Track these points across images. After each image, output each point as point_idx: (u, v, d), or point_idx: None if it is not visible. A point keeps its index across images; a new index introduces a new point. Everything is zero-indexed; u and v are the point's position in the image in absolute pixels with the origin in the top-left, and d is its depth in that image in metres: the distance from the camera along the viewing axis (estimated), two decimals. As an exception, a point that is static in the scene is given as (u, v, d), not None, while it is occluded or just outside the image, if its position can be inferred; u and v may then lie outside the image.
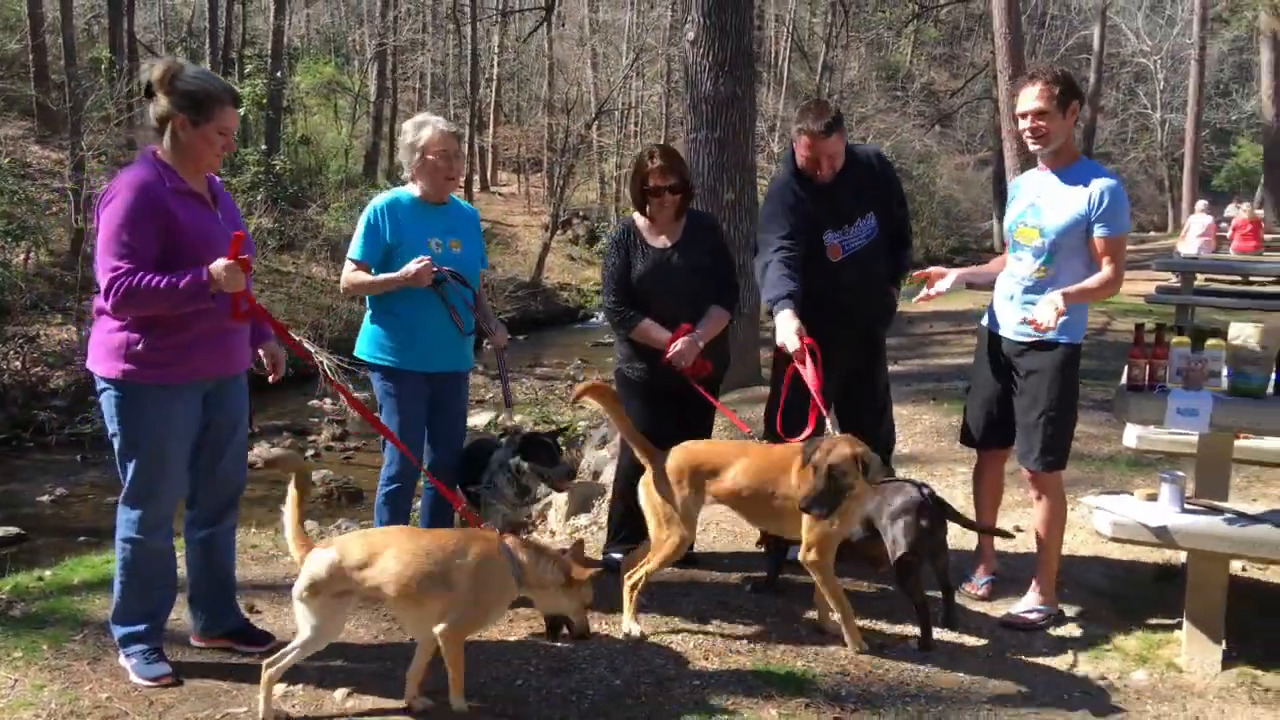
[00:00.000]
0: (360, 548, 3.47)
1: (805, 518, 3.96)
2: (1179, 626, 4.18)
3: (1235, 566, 4.39)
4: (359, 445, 12.81)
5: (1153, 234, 37.94)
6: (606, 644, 4.16)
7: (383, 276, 4.43)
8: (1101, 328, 11.94)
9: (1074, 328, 4.25)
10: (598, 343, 20.50)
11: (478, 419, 12.43)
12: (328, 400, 14.48)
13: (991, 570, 4.75)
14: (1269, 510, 4.28)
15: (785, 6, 37.78)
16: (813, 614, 4.41)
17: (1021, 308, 4.30)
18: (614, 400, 4.52)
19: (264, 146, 23.39)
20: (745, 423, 5.11)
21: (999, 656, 4.14)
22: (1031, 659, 4.12)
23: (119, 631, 3.83)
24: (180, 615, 4.10)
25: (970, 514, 4.76)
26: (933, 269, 4.59)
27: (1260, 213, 22.58)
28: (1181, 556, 4.63)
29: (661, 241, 4.79)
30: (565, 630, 3.73)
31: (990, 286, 4.60)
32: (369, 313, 4.60)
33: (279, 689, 3.66)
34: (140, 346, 3.57)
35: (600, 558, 5.07)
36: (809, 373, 4.24)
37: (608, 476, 6.96)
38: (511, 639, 4.21)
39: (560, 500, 6.49)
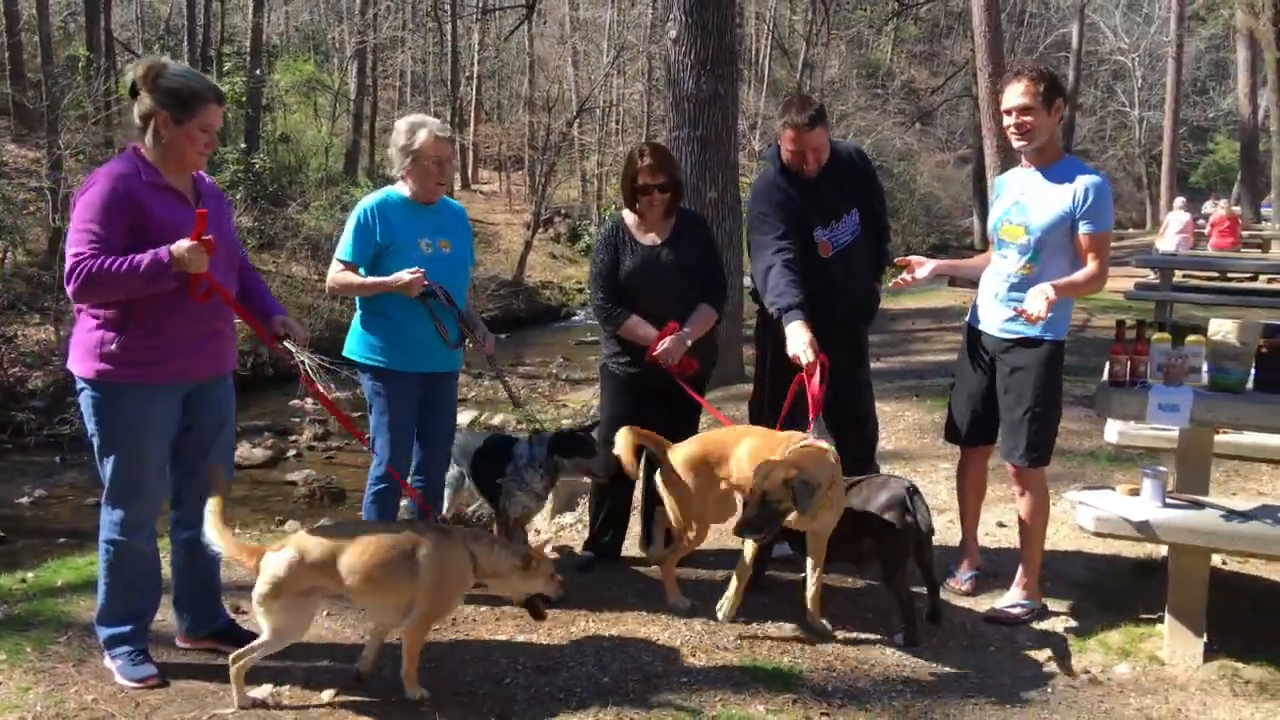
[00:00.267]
0: (318, 545, 3.51)
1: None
2: (1161, 620, 4.22)
3: (1215, 560, 4.43)
4: (341, 445, 12.75)
5: (1131, 231, 38.23)
6: (594, 642, 4.17)
7: (372, 280, 4.39)
8: (1081, 324, 12.02)
9: (1058, 324, 4.28)
10: (580, 341, 20.47)
11: (460, 418, 12.40)
12: (309, 400, 14.41)
13: (975, 565, 4.79)
14: (1249, 505, 4.33)
15: (765, 4, 37.83)
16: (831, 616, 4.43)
17: (1006, 305, 4.32)
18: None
19: (243, 145, 23.28)
20: (730, 421, 5.11)
21: (983, 651, 4.17)
22: (1015, 653, 4.15)
23: (104, 633, 3.81)
24: (166, 616, 4.08)
25: (954, 509, 4.79)
26: (913, 257, 4.62)
27: (1237, 209, 22.82)
28: (1163, 550, 4.68)
29: (650, 239, 4.79)
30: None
31: (969, 282, 4.63)
32: (359, 313, 4.56)
33: (266, 688, 3.66)
34: (115, 346, 3.55)
35: (580, 555, 5.09)
36: (815, 387, 4.25)
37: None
38: (500, 638, 4.21)
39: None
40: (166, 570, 4.03)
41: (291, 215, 22.71)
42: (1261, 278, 15.09)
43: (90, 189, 3.50)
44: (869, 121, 35.87)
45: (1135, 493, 4.30)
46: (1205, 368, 4.20)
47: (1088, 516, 4.21)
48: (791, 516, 4.01)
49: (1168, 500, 4.23)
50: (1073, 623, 4.40)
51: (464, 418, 12.57)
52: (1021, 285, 4.26)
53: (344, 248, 4.44)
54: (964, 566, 4.78)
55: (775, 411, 4.55)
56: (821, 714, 3.64)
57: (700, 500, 4.37)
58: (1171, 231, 18.27)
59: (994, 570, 4.84)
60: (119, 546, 3.72)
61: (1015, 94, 4.23)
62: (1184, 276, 13.58)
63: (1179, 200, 20.20)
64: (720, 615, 4.20)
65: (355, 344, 4.56)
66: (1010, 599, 4.47)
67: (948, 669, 4.00)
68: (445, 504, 5.02)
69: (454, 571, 3.63)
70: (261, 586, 3.45)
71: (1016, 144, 4.33)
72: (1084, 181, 4.16)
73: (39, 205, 17.50)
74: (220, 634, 4.01)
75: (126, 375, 3.57)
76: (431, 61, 37.70)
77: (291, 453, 12.42)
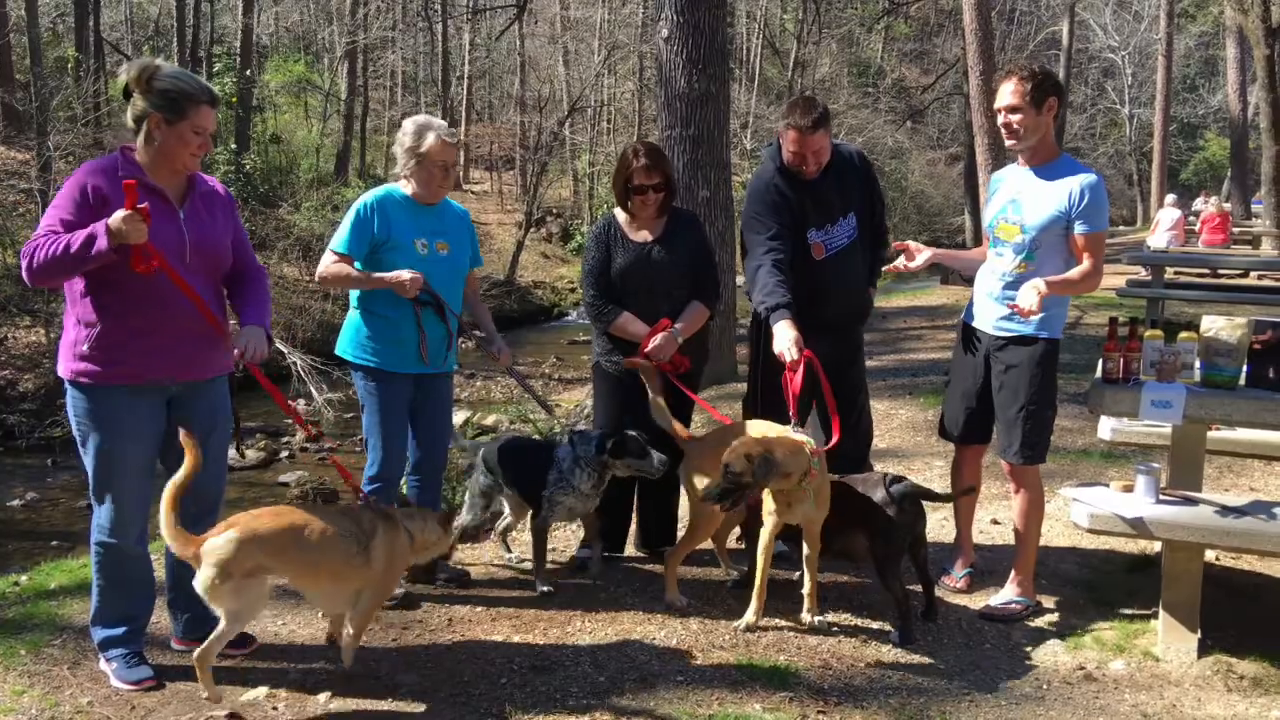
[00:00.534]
0: (264, 526, 3.50)
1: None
2: (1155, 616, 4.23)
3: (1208, 556, 4.44)
4: (334, 446, 12.75)
5: (1122, 228, 38.35)
6: (590, 641, 4.17)
7: (367, 275, 4.35)
8: (1074, 322, 12.05)
9: (1053, 323, 4.30)
10: (573, 340, 20.48)
11: (454, 418, 12.39)
12: (301, 401, 14.39)
13: (970, 562, 4.79)
14: (1242, 500, 4.34)
15: (756, 3, 37.86)
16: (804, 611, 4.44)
17: (1001, 303, 4.33)
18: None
19: (234, 145, 23.24)
20: (729, 418, 5.12)
21: (979, 648, 4.18)
22: (1011, 650, 4.15)
23: (98, 635, 3.80)
24: (161, 618, 4.07)
25: (948, 507, 4.80)
26: (910, 243, 4.62)
27: (1228, 206, 22.88)
28: (1156, 546, 4.69)
29: (642, 236, 4.79)
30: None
31: (962, 279, 4.65)
32: (353, 312, 4.53)
33: (261, 690, 3.66)
34: (86, 346, 3.55)
35: (576, 555, 5.09)
36: (795, 383, 4.28)
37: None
38: (495, 638, 4.20)
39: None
40: (161, 572, 4.02)
41: (282, 216, 22.69)
42: (1252, 274, 15.15)
43: (64, 186, 3.53)
44: (860, 120, 35.89)
45: (1129, 489, 4.31)
46: (1198, 364, 4.21)
47: (1082, 513, 4.21)
48: (776, 514, 4.11)
49: (1161, 497, 4.24)
50: (1067, 619, 4.41)
51: (457, 418, 12.58)
52: (1016, 284, 4.26)
53: (340, 240, 4.40)
54: (959, 564, 4.79)
55: (768, 410, 4.55)
56: (818, 712, 3.64)
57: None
58: (1162, 228, 18.32)
59: (989, 567, 4.85)
60: (106, 548, 3.71)
61: (1005, 93, 4.24)
62: (1175, 273, 13.63)
63: (1170, 197, 20.26)
64: (743, 626, 4.24)
65: (347, 343, 4.53)
66: (1005, 596, 4.48)
67: (943, 666, 4.00)
68: (473, 514, 4.96)
69: (400, 554, 3.78)
70: (207, 571, 3.38)
71: (1008, 143, 4.35)
72: (1080, 181, 4.17)
73: (29, 207, 17.44)
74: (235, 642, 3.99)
75: (100, 376, 3.56)
76: (422, 61, 37.70)
77: (284, 454, 12.43)
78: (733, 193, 9.86)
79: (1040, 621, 4.40)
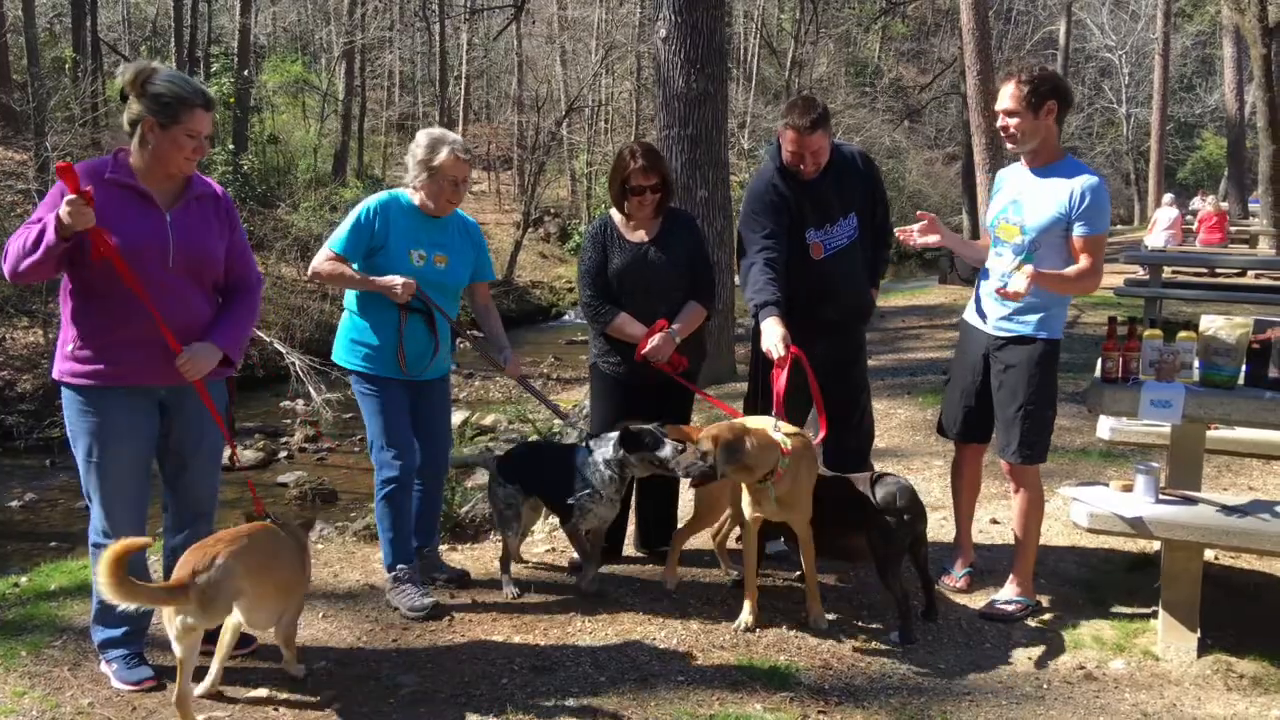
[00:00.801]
0: (245, 550, 3.42)
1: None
2: (1154, 615, 4.24)
3: (1208, 555, 4.45)
4: (332, 446, 12.75)
5: (1119, 227, 38.39)
6: (591, 642, 4.17)
7: (361, 276, 4.34)
8: (1072, 321, 12.07)
9: (1052, 323, 4.30)
10: (571, 340, 20.48)
11: (453, 418, 12.39)
12: (300, 401, 14.39)
13: (969, 562, 4.80)
14: (1241, 500, 4.35)
15: (754, 2, 37.86)
16: (804, 612, 4.44)
17: (1001, 303, 4.34)
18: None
19: (232, 146, 23.22)
20: (738, 411, 5.11)
21: (979, 647, 4.18)
22: (1011, 650, 4.16)
23: (99, 636, 3.80)
24: (161, 619, 4.06)
25: (948, 507, 4.81)
26: (930, 216, 4.60)
27: (1225, 205, 22.90)
28: (1155, 546, 4.70)
29: (639, 237, 4.78)
30: None
31: (962, 274, 4.65)
32: (347, 316, 4.53)
33: (262, 692, 3.66)
34: (72, 347, 3.57)
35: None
36: (781, 380, 4.29)
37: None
38: (496, 638, 4.21)
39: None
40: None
41: (280, 216, 22.68)
42: (1249, 273, 15.17)
43: (54, 187, 3.54)
44: (857, 119, 35.91)
45: (1128, 489, 4.32)
46: (1197, 364, 4.22)
47: (1081, 513, 4.22)
48: (764, 511, 4.16)
49: (1161, 496, 4.25)
50: (1067, 619, 4.41)
51: (456, 418, 12.57)
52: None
53: (337, 239, 4.38)
54: (959, 564, 4.79)
55: (768, 409, 4.55)
56: (819, 712, 3.64)
57: (719, 487, 4.47)
58: (1160, 227, 18.34)
59: (988, 567, 4.85)
60: (101, 550, 3.69)
61: (1003, 97, 4.25)
62: (1173, 272, 13.64)
63: (1167, 196, 20.27)
64: (741, 626, 4.26)
65: (343, 350, 4.52)
66: (1005, 595, 4.48)
67: (943, 666, 4.01)
68: (512, 530, 4.76)
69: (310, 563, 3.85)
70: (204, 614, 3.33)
71: (1007, 145, 4.36)
72: (1081, 183, 4.16)
73: (26, 208, 17.41)
74: (215, 637, 3.99)
75: (89, 377, 3.57)
76: (420, 61, 37.65)
77: (283, 454, 12.42)
78: (730, 192, 9.86)
79: (1040, 621, 4.40)
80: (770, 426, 4.16)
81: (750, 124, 31.81)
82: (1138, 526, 4.09)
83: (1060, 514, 5.37)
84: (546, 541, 5.54)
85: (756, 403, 4.81)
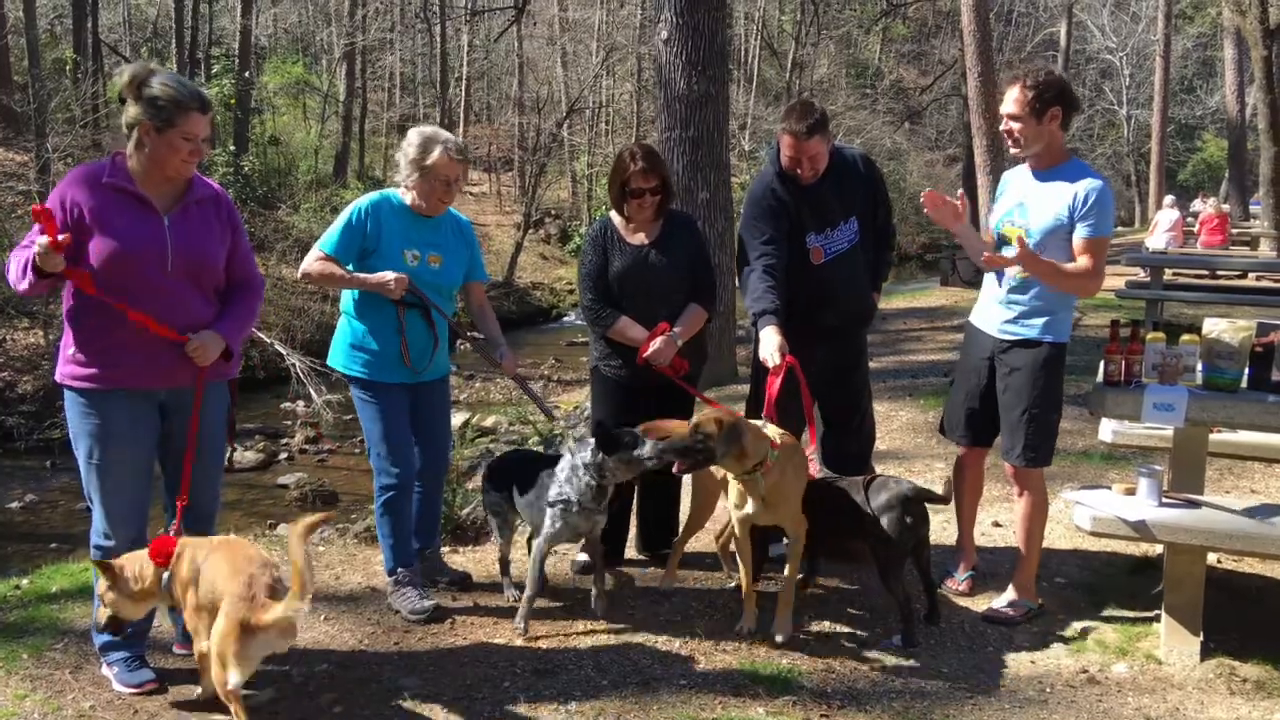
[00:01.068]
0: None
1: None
2: (1157, 619, 4.23)
3: (1210, 559, 4.44)
4: (333, 448, 12.74)
5: (1120, 229, 38.35)
6: (593, 645, 4.17)
7: (352, 275, 4.32)
8: (1073, 323, 12.06)
9: (1058, 326, 4.29)
10: (571, 342, 20.47)
11: (452, 420, 12.38)
12: (300, 403, 14.39)
13: (972, 565, 4.79)
14: (1244, 503, 4.34)
15: (755, 4, 37.88)
16: (806, 615, 4.43)
17: (1006, 306, 4.33)
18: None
19: (232, 147, 23.23)
20: (739, 413, 5.11)
21: (981, 651, 4.17)
22: (1013, 653, 4.15)
23: (100, 639, 3.79)
24: (162, 622, 4.07)
25: (949, 510, 4.80)
26: (959, 198, 4.50)
27: (1226, 208, 22.89)
28: (1158, 549, 4.69)
29: (639, 239, 4.77)
30: None
31: (963, 276, 4.63)
32: (342, 321, 4.51)
33: (268, 693, 3.66)
34: (72, 351, 3.58)
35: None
36: (774, 387, 4.30)
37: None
38: (498, 641, 4.20)
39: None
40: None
41: (281, 218, 22.71)
42: (1250, 275, 15.16)
43: (53, 192, 3.56)
44: (858, 121, 35.93)
45: (1131, 492, 4.31)
46: (1200, 367, 4.21)
47: (1084, 516, 4.21)
48: (751, 509, 4.12)
49: (1164, 499, 4.24)
50: (1070, 622, 4.40)
51: (456, 420, 12.57)
52: (1021, 287, 4.27)
53: (328, 240, 4.36)
54: (961, 567, 4.78)
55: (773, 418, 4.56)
56: (821, 715, 3.63)
57: (712, 481, 4.53)
58: (1161, 229, 18.34)
59: (991, 570, 4.85)
60: (103, 552, 3.69)
61: (1008, 100, 4.24)
62: (1174, 275, 13.63)
63: (1169, 198, 20.26)
64: (743, 630, 4.26)
65: (339, 355, 4.50)
66: (1007, 599, 4.47)
67: (946, 669, 4.00)
68: (504, 537, 4.71)
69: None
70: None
71: (1010, 149, 4.35)
72: (1084, 186, 4.15)
73: (26, 209, 17.42)
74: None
75: (89, 380, 3.57)
76: (421, 63, 37.67)
77: (283, 456, 12.41)
78: (731, 194, 9.86)
79: (1042, 624, 4.39)
80: (759, 426, 4.18)
81: (751, 126, 31.83)
82: (1141, 530, 4.08)
83: (1062, 517, 5.37)
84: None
85: (757, 407, 4.81)
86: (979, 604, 4.55)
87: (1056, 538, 5.26)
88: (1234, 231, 20.52)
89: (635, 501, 5.07)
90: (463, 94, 34.81)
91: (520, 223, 28.20)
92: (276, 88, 31.31)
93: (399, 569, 4.48)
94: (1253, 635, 4.23)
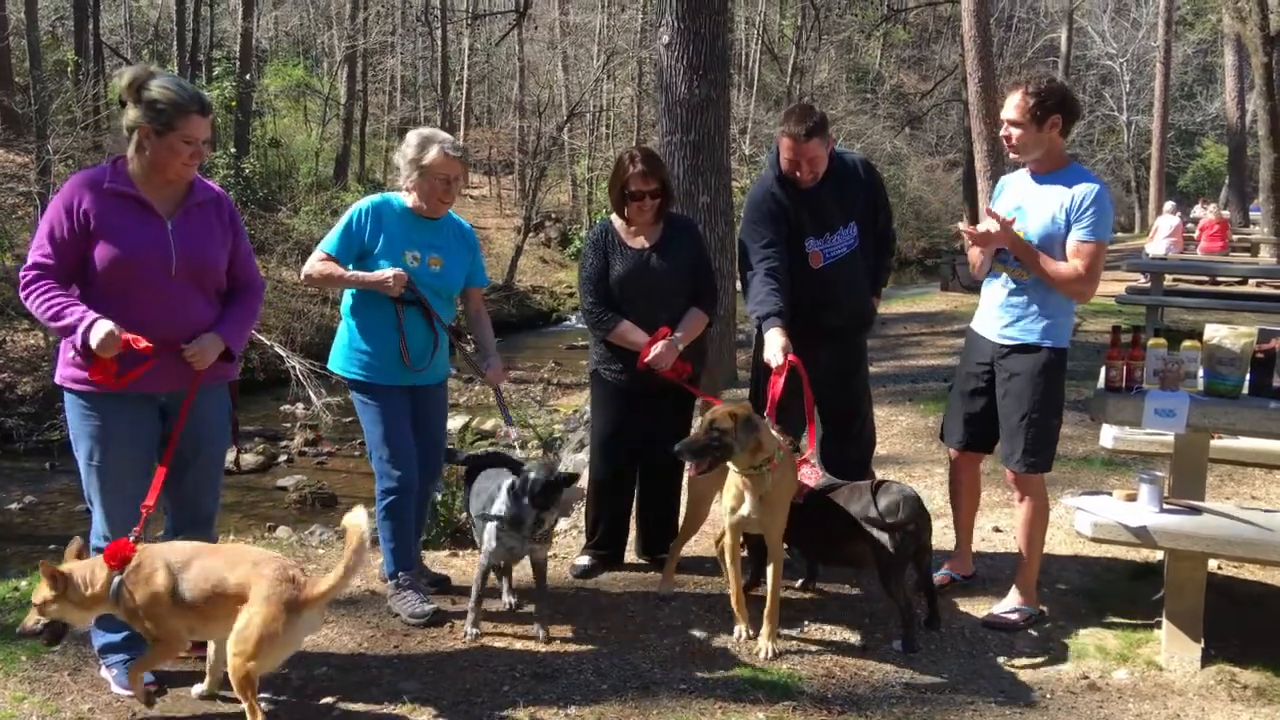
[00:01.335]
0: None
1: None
2: (1158, 625, 4.22)
3: (1211, 565, 4.43)
4: (332, 450, 12.74)
5: (1120, 235, 38.37)
6: (593, 649, 4.16)
7: (352, 274, 4.33)
8: (1073, 328, 12.05)
9: (1058, 332, 4.29)
10: (571, 345, 20.48)
11: (452, 423, 12.39)
12: (300, 405, 14.39)
13: (963, 572, 4.77)
14: (1245, 509, 4.34)
15: (755, 9, 37.91)
16: (807, 620, 4.43)
17: (1006, 311, 4.33)
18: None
19: (233, 149, 23.24)
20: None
21: (982, 657, 4.16)
22: (1014, 659, 4.14)
23: (99, 641, 3.78)
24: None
25: (949, 515, 4.80)
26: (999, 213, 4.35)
27: (1226, 213, 22.89)
28: (1158, 555, 4.69)
29: (640, 243, 4.76)
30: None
31: (963, 281, 4.62)
32: (342, 325, 4.51)
33: (262, 695, 3.64)
34: (72, 354, 3.56)
35: (577, 563, 5.06)
36: (777, 387, 4.31)
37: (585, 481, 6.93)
38: (498, 645, 4.19)
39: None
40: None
41: (281, 220, 22.73)
42: (1251, 281, 15.16)
43: (54, 198, 3.55)
44: (859, 126, 35.96)
45: (1132, 498, 4.30)
46: (1201, 373, 4.21)
47: (1085, 522, 4.21)
48: (746, 511, 4.11)
49: (1165, 505, 4.23)
50: (1070, 628, 4.40)
51: (456, 423, 12.56)
52: (1019, 291, 4.27)
53: (329, 241, 4.38)
54: (945, 566, 4.77)
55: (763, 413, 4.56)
56: (821, 721, 3.63)
57: (707, 483, 4.51)
58: (1161, 236, 18.33)
59: (991, 576, 4.84)
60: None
61: (1009, 106, 4.24)
62: (1174, 280, 13.63)
63: (1169, 204, 20.25)
64: (740, 637, 4.26)
65: (340, 358, 4.50)
66: (1008, 604, 4.47)
67: (947, 675, 3.99)
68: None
69: None
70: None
71: (1009, 154, 4.35)
72: (1082, 190, 4.15)
73: (27, 210, 17.44)
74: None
75: (85, 383, 3.56)
76: (422, 66, 37.72)
77: (283, 458, 12.42)
78: (732, 198, 9.86)
79: (1043, 630, 4.39)
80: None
81: (752, 130, 31.84)
82: (1142, 536, 4.08)
83: (1063, 523, 5.36)
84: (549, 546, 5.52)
85: (759, 408, 4.80)
86: (980, 610, 4.54)
87: (1057, 543, 5.25)
88: (1234, 238, 20.50)
89: (636, 505, 5.07)
90: (464, 97, 34.84)
91: (520, 226, 28.20)
92: (277, 90, 31.32)
93: (399, 572, 4.48)
94: (1253, 641, 4.22)
